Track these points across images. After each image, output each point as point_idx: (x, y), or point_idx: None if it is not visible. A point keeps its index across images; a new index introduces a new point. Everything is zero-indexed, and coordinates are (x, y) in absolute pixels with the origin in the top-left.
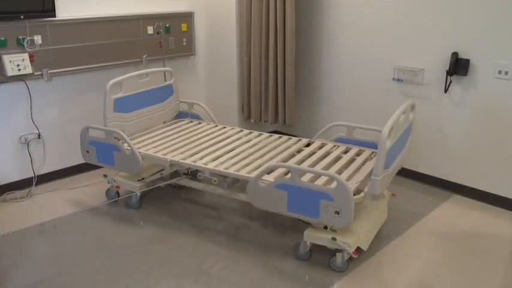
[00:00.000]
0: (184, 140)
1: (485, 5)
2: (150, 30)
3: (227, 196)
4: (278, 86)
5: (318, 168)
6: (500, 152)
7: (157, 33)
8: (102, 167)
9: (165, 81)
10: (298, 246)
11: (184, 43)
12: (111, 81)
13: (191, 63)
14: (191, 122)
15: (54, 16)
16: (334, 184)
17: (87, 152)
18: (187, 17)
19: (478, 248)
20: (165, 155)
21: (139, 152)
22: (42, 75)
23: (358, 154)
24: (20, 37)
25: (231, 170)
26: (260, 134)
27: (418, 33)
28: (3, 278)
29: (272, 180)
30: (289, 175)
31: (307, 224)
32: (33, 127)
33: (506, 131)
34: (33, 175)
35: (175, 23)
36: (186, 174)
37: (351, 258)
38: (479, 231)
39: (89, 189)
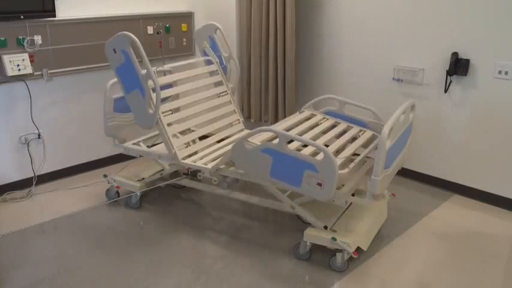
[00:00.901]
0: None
1: (485, 5)
2: (150, 30)
3: (227, 196)
4: (278, 85)
5: (306, 138)
6: (501, 152)
7: (157, 33)
8: (103, 167)
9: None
10: (298, 246)
11: (184, 43)
12: (111, 81)
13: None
14: None
15: (54, 16)
16: (320, 156)
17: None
18: (187, 17)
19: (478, 248)
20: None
21: (142, 150)
22: (42, 75)
23: (346, 130)
24: (20, 37)
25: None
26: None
27: (418, 33)
28: (3, 278)
29: (259, 143)
30: (276, 140)
31: (307, 224)
32: (33, 127)
33: (506, 131)
34: (33, 175)
35: (175, 23)
36: (186, 174)
37: (351, 258)
38: (479, 231)
39: (89, 189)
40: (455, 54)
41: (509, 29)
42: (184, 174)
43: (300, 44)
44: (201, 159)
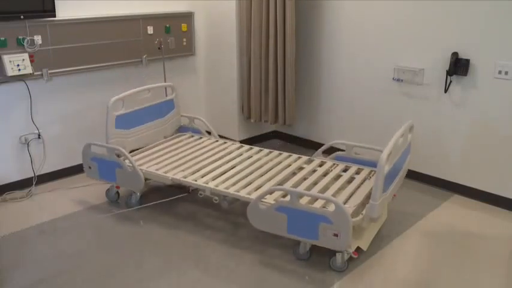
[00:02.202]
0: (185, 156)
1: (485, 5)
2: (150, 30)
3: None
4: (278, 85)
5: (318, 187)
6: (500, 152)
7: (157, 41)
8: None
9: (166, 95)
10: (298, 246)
11: (184, 43)
12: (113, 99)
13: (191, 63)
14: (192, 136)
15: (54, 16)
16: (332, 207)
17: (90, 168)
18: (187, 17)
19: (478, 248)
20: (166, 172)
21: (140, 169)
22: (42, 75)
23: (357, 173)
24: (20, 37)
25: (231, 190)
26: (260, 150)
27: (418, 33)
28: (3, 278)
29: (272, 202)
30: (288, 197)
31: None
32: (33, 127)
33: (506, 131)
34: (33, 175)
35: (175, 23)
36: (188, 193)
37: (351, 258)
38: (479, 231)
39: (89, 189)
40: (455, 54)
41: (509, 29)
42: (186, 192)
43: (300, 44)
44: (202, 177)
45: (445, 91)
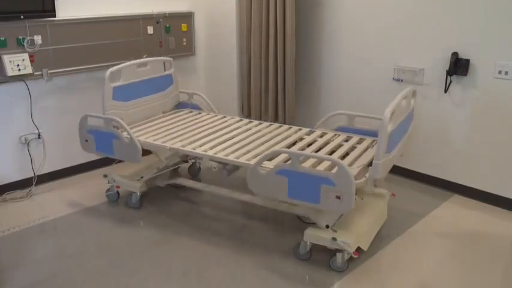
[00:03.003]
0: (184, 128)
1: (485, 5)
2: (150, 30)
3: (227, 196)
4: (278, 85)
5: (317, 154)
6: (501, 152)
7: (157, 23)
8: (102, 167)
9: (165, 71)
10: (298, 246)
11: (184, 43)
12: (110, 69)
13: (191, 63)
14: (191, 112)
15: (54, 16)
16: (335, 169)
17: (86, 141)
18: (187, 17)
19: (478, 248)
20: (164, 142)
21: (138, 140)
22: (42, 75)
23: (358, 142)
24: (20, 37)
25: (231, 157)
26: (260, 123)
27: (418, 33)
28: (3, 278)
29: (272, 167)
30: (289, 161)
31: (307, 224)
32: (33, 127)
33: (506, 131)
34: (33, 175)
35: (175, 23)
36: (185, 161)
37: (351, 258)
38: (479, 231)
39: (89, 189)
40: (455, 54)
41: (509, 29)
42: (183, 161)
43: (300, 44)
44: (200, 146)
45: (445, 91)
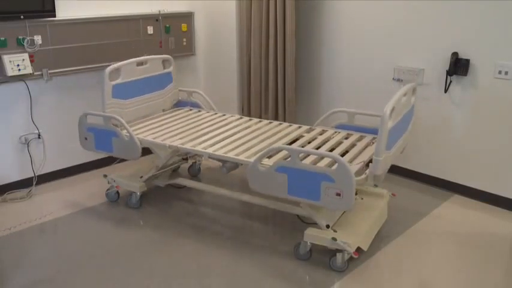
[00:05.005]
0: (183, 126)
1: (486, 5)
2: (150, 30)
3: (227, 196)
4: (278, 86)
5: (317, 150)
6: (501, 152)
7: (156, 20)
8: (102, 167)
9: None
10: (298, 246)
11: (184, 43)
12: (110, 67)
13: (191, 63)
14: (190, 110)
15: (54, 16)
16: (335, 166)
17: (85, 138)
18: (187, 17)
19: (478, 248)
20: (163, 140)
21: (137, 137)
22: (42, 75)
23: (358, 140)
24: (20, 37)
25: (230, 154)
26: (260, 121)
27: (418, 33)
28: (3, 278)
29: (271, 163)
30: (289, 158)
31: (308, 224)
32: (33, 127)
33: (506, 131)
34: (33, 175)
35: (175, 23)
36: (185, 159)
37: (351, 258)
38: (479, 231)
39: (89, 190)
40: (455, 54)
41: (509, 29)
42: (183, 159)
43: (300, 44)
44: (200, 144)
45: (445, 91)
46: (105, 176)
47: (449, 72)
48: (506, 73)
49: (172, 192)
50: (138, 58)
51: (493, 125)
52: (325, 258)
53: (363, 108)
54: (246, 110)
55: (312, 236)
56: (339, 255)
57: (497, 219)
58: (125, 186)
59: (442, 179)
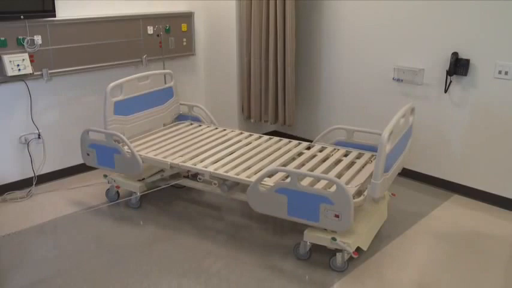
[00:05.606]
0: (184, 142)
1: (485, 5)
2: (150, 30)
3: (227, 196)
4: (278, 86)
5: (318, 171)
6: (501, 152)
7: (157, 35)
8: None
9: (165, 83)
10: (298, 246)
11: (184, 43)
12: (112, 84)
13: (191, 63)
14: (191, 124)
15: (54, 16)
16: (333, 188)
17: (88, 154)
18: (187, 17)
19: (478, 248)
20: (165, 157)
21: (139, 154)
22: (42, 75)
23: (357, 157)
24: (20, 37)
25: (231, 174)
26: (260, 137)
27: (418, 33)
28: (3, 278)
29: (272, 184)
30: (288, 179)
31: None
32: (33, 127)
33: (506, 131)
34: (33, 175)
35: (175, 23)
36: (187, 177)
37: (351, 258)
38: (479, 231)
39: (89, 189)
40: (455, 54)
41: (509, 29)
42: (184, 177)
43: (300, 44)
44: (201, 162)
45: (445, 91)
46: (105, 176)
47: (449, 72)
48: (506, 73)
49: (172, 192)
50: (139, 74)
51: (493, 125)
52: (325, 258)
53: (362, 109)
54: (246, 109)
55: (311, 235)
56: (338, 255)
57: (497, 220)
58: (125, 186)
59: (442, 179)
